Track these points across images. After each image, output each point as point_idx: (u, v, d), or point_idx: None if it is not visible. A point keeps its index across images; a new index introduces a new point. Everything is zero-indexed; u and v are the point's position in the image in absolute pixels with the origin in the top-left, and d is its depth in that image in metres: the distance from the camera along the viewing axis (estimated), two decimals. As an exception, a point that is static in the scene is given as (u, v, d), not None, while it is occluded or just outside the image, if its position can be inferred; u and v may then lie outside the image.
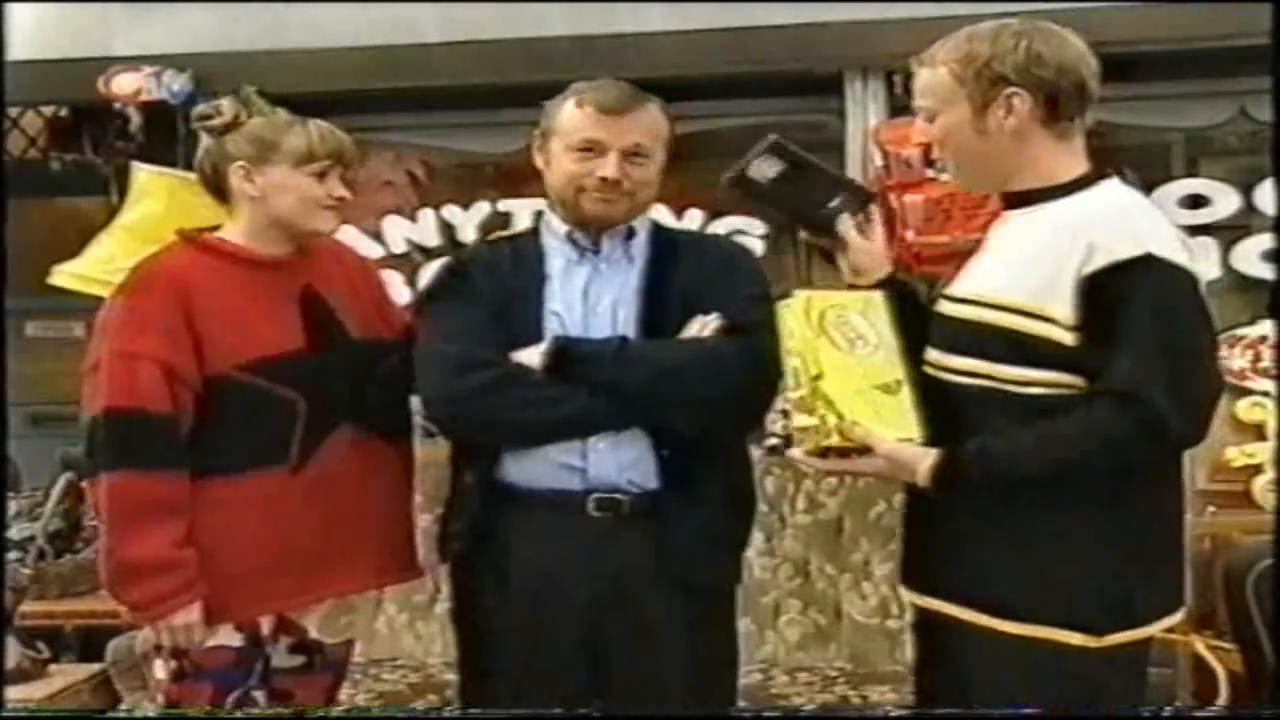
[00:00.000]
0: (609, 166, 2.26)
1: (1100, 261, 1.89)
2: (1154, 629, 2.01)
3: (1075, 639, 1.94)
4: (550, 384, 2.22)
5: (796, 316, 2.01)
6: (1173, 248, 1.92)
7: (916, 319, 2.11)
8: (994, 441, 1.96)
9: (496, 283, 2.32)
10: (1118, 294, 1.88)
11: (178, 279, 2.31)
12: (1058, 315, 1.92)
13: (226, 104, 2.38)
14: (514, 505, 2.27)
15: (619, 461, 2.25)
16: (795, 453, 2.01)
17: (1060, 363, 1.93)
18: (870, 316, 2.05)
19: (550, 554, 2.25)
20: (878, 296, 2.09)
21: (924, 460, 1.96)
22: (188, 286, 2.29)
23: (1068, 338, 1.92)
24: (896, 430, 1.98)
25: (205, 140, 2.41)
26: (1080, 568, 1.94)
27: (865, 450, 1.96)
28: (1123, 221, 1.93)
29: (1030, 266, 1.96)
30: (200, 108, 2.45)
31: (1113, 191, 2.02)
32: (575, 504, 2.24)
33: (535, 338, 2.26)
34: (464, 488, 2.34)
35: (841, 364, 1.98)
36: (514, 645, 2.27)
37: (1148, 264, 1.87)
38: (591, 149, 2.27)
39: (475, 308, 2.29)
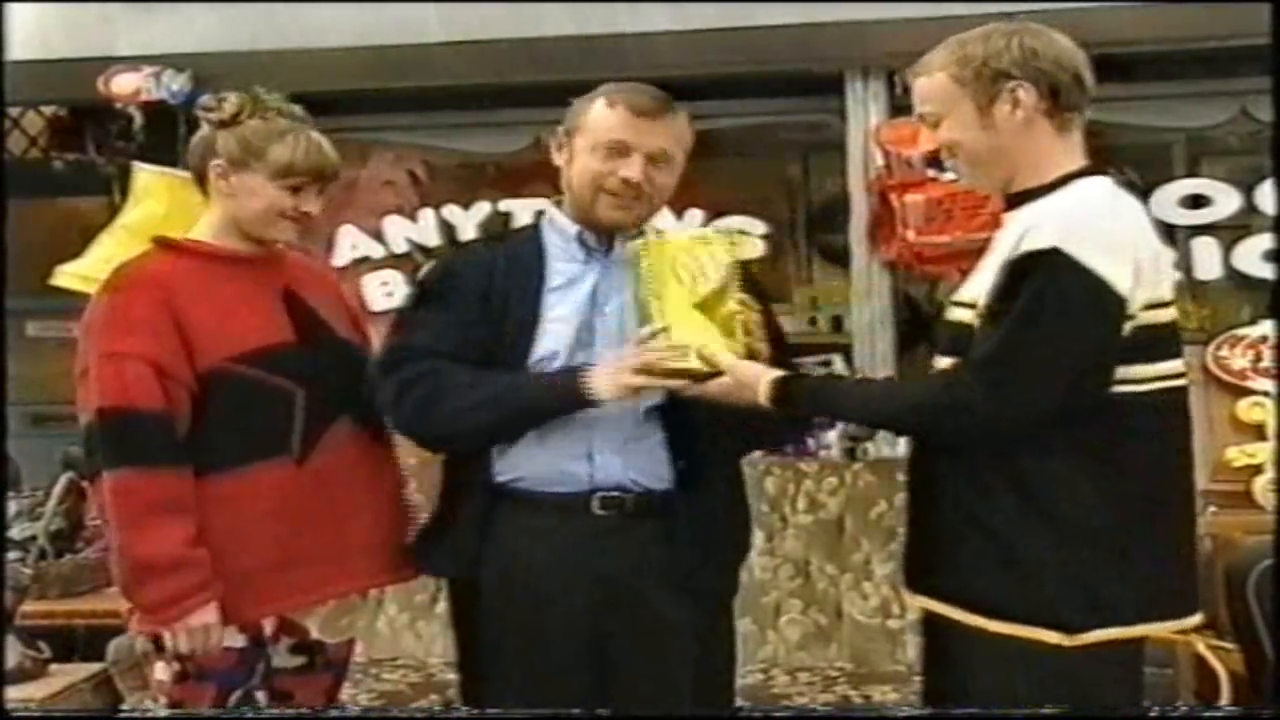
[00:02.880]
0: (632, 168, 2.24)
1: (1021, 248, 1.90)
2: (1139, 630, 1.98)
3: (1051, 637, 1.93)
4: (475, 387, 2.21)
5: (647, 258, 2.17)
6: (1094, 248, 1.87)
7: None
8: (834, 380, 2.04)
9: (490, 283, 2.28)
10: (1019, 279, 1.89)
11: (159, 279, 2.30)
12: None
13: (232, 100, 2.37)
14: (516, 505, 2.26)
15: (625, 465, 2.23)
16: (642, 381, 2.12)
17: None
18: (711, 253, 2.20)
19: (553, 553, 2.23)
20: (714, 235, 2.27)
21: (765, 377, 2.09)
22: (169, 285, 2.28)
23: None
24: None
25: (201, 130, 2.41)
26: (1055, 564, 1.93)
27: (717, 373, 2.11)
28: (1063, 215, 1.92)
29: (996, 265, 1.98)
30: (205, 99, 2.43)
31: (1086, 188, 2.00)
32: (580, 504, 2.23)
33: (530, 339, 2.24)
34: (465, 487, 2.33)
35: (683, 298, 2.15)
36: (516, 645, 2.27)
37: (1052, 257, 1.87)
38: (617, 149, 2.24)
39: (455, 311, 2.26)
